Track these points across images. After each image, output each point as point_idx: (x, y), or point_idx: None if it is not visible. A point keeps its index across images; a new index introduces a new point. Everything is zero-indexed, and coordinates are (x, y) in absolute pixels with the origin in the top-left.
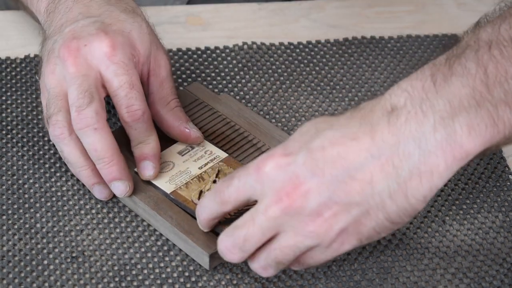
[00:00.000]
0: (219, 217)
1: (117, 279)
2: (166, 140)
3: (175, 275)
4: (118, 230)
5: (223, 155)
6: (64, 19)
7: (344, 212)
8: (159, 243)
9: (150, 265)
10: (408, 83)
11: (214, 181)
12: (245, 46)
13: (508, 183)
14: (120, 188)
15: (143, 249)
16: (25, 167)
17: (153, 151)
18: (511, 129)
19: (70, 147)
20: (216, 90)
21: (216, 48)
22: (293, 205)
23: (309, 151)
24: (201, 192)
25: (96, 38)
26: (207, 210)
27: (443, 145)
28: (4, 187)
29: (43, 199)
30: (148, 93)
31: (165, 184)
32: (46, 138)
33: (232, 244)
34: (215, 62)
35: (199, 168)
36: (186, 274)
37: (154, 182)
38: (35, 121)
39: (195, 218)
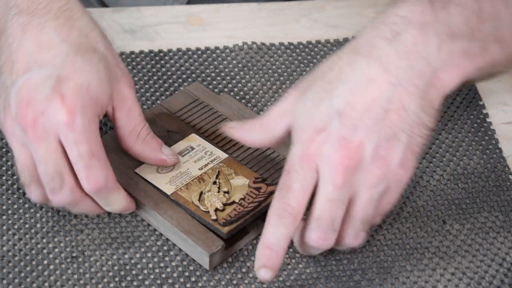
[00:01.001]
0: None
1: (117, 279)
2: (165, 140)
3: (175, 275)
4: (118, 230)
5: (223, 155)
6: (14, 56)
7: (396, 143)
8: (159, 243)
9: (150, 265)
10: (406, 9)
11: (214, 182)
12: (245, 46)
13: (508, 183)
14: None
15: (143, 249)
16: None
17: (122, 207)
18: (495, 63)
19: (53, 204)
20: (216, 90)
21: (216, 48)
22: (353, 162)
23: (339, 114)
24: (201, 194)
25: (52, 105)
26: (282, 241)
27: (447, 63)
28: (4, 187)
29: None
30: (116, 127)
31: (165, 185)
32: None
33: (324, 232)
34: (215, 62)
35: (199, 169)
36: (186, 274)
37: (155, 184)
38: None
39: (195, 219)
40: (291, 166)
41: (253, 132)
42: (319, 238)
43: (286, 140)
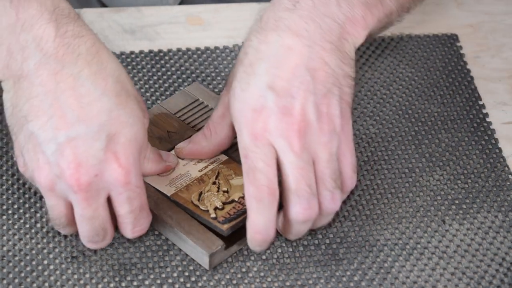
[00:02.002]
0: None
1: (117, 279)
2: (166, 142)
3: (175, 275)
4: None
5: (223, 157)
6: (50, 110)
7: (332, 97)
8: (158, 242)
9: (150, 265)
10: None
11: (214, 183)
12: None
13: (508, 183)
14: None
15: (143, 249)
16: None
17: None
18: (391, 13)
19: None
20: (216, 90)
21: (216, 48)
22: (302, 126)
23: (271, 88)
24: (201, 194)
25: (108, 167)
26: (269, 224)
27: (350, 17)
28: (4, 187)
29: (43, 199)
30: None
31: (165, 187)
32: None
33: (306, 200)
34: (215, 62)
35: (199, 171)
36: (186, 274)
37: (155, 186)
38: None
39: (195, 218)
40: (246, 150)
41: (200, 143)
42: (304, 208)
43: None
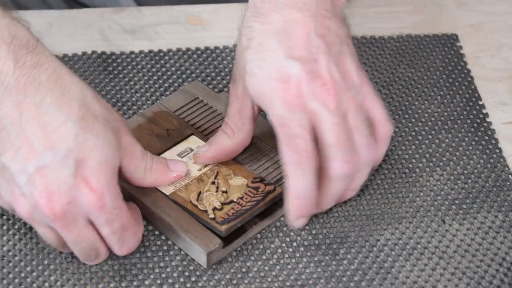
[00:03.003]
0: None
1: (117, 278)
2: (165, 140)
3: (175, 274)
4: None
5: None
6: (17, 141)
7: (346, 56)
8: (158, 242)
9: (150, 265)
10: None
11: (213, 182)
12: None
13: (508, 183)
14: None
15: (142, 249)
16: None
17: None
18: None
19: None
20: (216, 90)
21: (216, 48)
22: (332, 85)
23: (292, 58)
24: (199, 193)
25: (79, 193)
26: (309, 188)
27: None
28: None
29: None
30: (123, 171)
31: (164, 186)
32: None
33: (346, 154)
34: (215, 62)
35: (198, 170)
36: (186, 274)
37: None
38: None
39: (193, 217)
40: (282, 118)
41: (224, 144)
42: (346, 161)
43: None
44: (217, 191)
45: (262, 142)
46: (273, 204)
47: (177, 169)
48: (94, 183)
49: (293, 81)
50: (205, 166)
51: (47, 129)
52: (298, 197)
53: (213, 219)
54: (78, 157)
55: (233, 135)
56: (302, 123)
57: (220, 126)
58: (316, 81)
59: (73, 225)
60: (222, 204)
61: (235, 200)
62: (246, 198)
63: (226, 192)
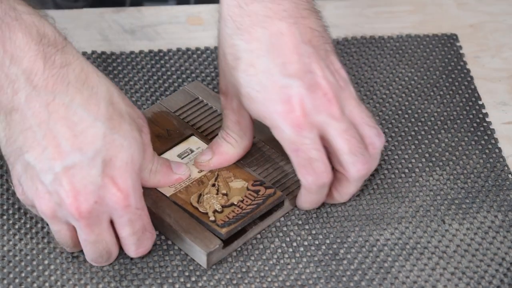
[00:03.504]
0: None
1: (117, 278)
2: (165, 140)
3: (175, 274)
4: None
5: None
6: (44, 141)
7: (331, 55)
8: (158, 242)
9: (151, 264)
10: None
11: (213, 185)
12: None
13: (508, 183)
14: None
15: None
16: None
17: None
18: None
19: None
20: (215, 90)
21: (216, 48)
22: (331, 92)
23: (289, 76)
24: (200, 195)
25: (106, 193)
26: (321, 201)
27: None
28: (4, 186)
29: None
30: None
31: (165, 187)
32: None
33: (362, 156)
34: (215, 62)
35: (198, 172)
36: (186, 273)
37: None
38: None
39: (194, 218)
40: (295, 144)
41: (228, 152)
42: (363, 163)
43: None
44: (217, 194)
45: (262, 142)
46: (274, 206)
47: (180, 172)
48: (121, 183)
49: (295, 101)
50: None
51: (76, 129)
52: (312, 205)
53: (214, 221)
54: (106, 158)
55: (236, 144)
56: (315, 144)
57: (220, 126)
58: (317, 93)
59: (96, 225)
60: (223, 206)
61: (235, 203)
62: (247, 201)
63: (226, 194)
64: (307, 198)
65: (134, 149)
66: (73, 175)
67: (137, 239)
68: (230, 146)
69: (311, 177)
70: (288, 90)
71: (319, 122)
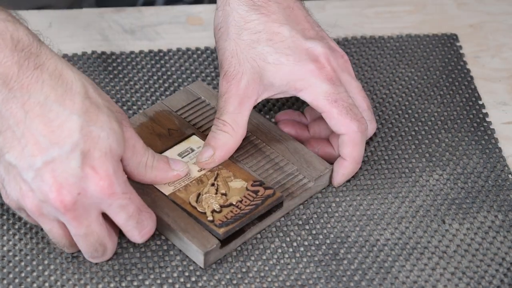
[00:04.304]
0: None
1: (117, 278)
2: (166, 140)
3: (175, 274)
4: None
5: None
6: (23, 139)
7: (323, 33)
8: (158, 242)
9: (150, 265)
10: None
11: (213, 184)
12: None
13: (508, 183)
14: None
15: (143, 249)
16: None
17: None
18: None
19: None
20: (216, 90)
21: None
22: (345, 56)
23: (310, 39)
24: (199, 195)
25: (88, 182)
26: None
27: None
28: None
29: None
30: (124, 165)
31: (164, 186)
32: None
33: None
34: (215, 62)
35: (198, 171)
36: (186, 274)
37: (153, 185)
38: None
39: (192, 218)
40: (333, 95)
41: (228, 143)
42: (374, 121)
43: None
44: (216, 193)
45: (263, 143)
46: (273, 207)
47: (177, 168)
48: (101, 172)
49: (323, 59)
50: None
51: (52, 125)
52: (357, 161)
53: (212, 221)
54: (84, 149)
55: (233, 132)
56: (347, 93)
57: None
58: (336, 54)
59: (83, 217)
60: (221, 206)
61: (234, 203)
62: (245, 202)
63: (225, 194)
64: (352, 154)
65: (112, 139)
66: (53, 170)
67: (136, 222)
68: (228, 135)
69: (357, 122)
70: (314, 51)
71: (344, 80)
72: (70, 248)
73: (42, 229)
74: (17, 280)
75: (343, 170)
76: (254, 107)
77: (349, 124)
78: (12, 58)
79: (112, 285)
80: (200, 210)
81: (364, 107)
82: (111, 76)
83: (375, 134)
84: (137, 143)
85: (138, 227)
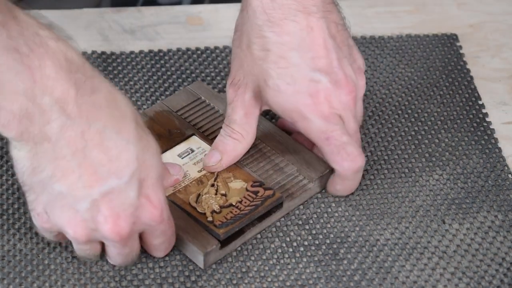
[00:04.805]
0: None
1: (117, 278)
2: (166, 140)
3: (175, 274)
4: None
5: None
6: (80, 169)
7: (353, 50)
8: None
9: (150, 265)
10: None
11: (212, 185)
12: None
13: (507, 183)
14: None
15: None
16: None
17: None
18: None
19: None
20: (216, 90)
21: (216, 48)
22: (353, 89)
23: (318, 70)
24: (199, 195)
25: (142, 211)
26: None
27: None
28: (4, 187)
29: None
30: None
31: None
32: None
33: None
34: (215, 62)
35: (198, 172)
36: (186, 273)
37: None
38: None
39: (192, 218)
40: (325, 133)
41: (236, 150)
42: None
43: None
44: (216, 194)
45: (263, 143)
46: (272, 207)
47: (175, 172)
48: (155, 200)
49: (323, 95)
50: None
51: (111, 154)
52: (350, 191)
53: (211, 222)
54: (140, 178)
55: (243, 140)
56: (344, 128)
57: (221, 126)
58: (341, 90)
59: (130, 241)
60: (221, 207)
61: (234, 204)
62: (245, 202)
63: (225, 195)
64: (343, 186)
65: (160, 165)
66: (111, 200)
67: (168, 244)
68: (237, 142)
69: (347, 162)
70: (317, 85)
71: (342, 116)
72: (96, 259)
73: None
74: (17, 280)
75: (335, 190)
76: None
77: (340, 163)
78: (69, 81)
79: (112, 284)
80: (200, 211)
81: (351, 133)
82: (111, 76)
83: (375, 134)
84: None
85: (168, 247)
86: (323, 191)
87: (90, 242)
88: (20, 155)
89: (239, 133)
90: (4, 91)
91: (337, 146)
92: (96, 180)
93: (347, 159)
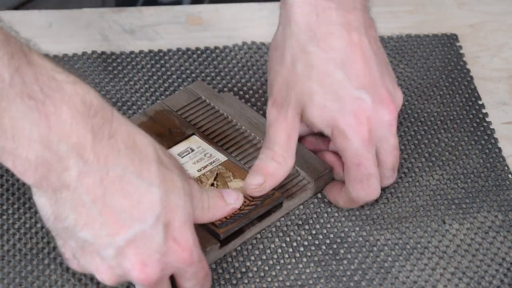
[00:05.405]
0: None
1: None
2: (166, 139)
3: None
4: None
5: (223, 158)
6: (101, 217)
7: (388, 65)
8: None
9: None
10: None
11: (212, 184)
12: (245, 46)
13: (508, 183)
14: None
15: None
16: None
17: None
18: None
19: None
20: (216, 90)
21: (216, 48)
22: (393, 107)
23: (363, 87)
24: None
25: (171, 255)
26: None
27: None
28: (4, 187)
29: None
30: None
31: None
32: None
33: (395, 171)
34: (215, 62)
35: (198, 171)
36: None
37: None
38: None
39: None
40: (359, 158)
41: (279, 173)
42: (394, 178)
43: None
44: None
45: (259, 140)
46: (272, 207)
47: (232, 201)
48: (183, 243)
49: (363, 116)
50: (205, 167)
51: (132, 199)
52: (353, 206)
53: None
54: (166, 221)
55: (285, 163)
56: (375, 158)
57: (222, 126)
58: (382, 110)
59: (160, 284)
60: None
61: None
62: (245, 202)
63: None
64: (346, 204)
65: (188, 205)
66: (136, 247)
67: (201, 286)
68: (279, 165)
69: (364, 192)
70: (360, 103)
71: (379, 137)
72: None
73: (42, 229)
74: (17, 280)
75: (335, 202)
76: (255, 106)
77: (358, 191)
78: (86, 126)
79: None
80: None
81: (388, 165)
82: (111, 76)
83: None
84: (194, 189)
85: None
86: (323, 191)
87: (119, 284)
88: (41, 202)
89: (282, 156)
90: (19, 139)
91: (364, 175)
92: (120, 227)
93: (366, 190)
